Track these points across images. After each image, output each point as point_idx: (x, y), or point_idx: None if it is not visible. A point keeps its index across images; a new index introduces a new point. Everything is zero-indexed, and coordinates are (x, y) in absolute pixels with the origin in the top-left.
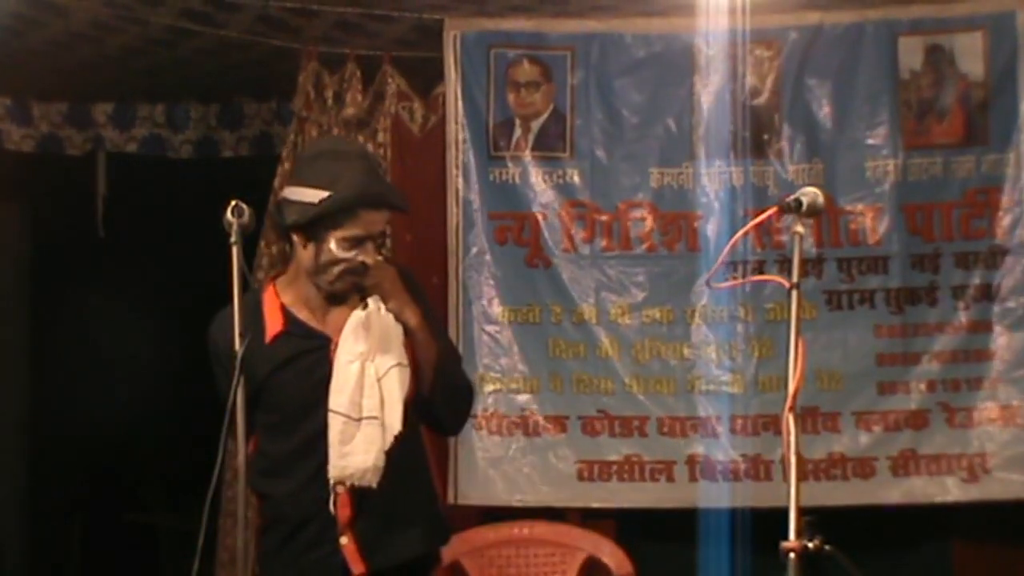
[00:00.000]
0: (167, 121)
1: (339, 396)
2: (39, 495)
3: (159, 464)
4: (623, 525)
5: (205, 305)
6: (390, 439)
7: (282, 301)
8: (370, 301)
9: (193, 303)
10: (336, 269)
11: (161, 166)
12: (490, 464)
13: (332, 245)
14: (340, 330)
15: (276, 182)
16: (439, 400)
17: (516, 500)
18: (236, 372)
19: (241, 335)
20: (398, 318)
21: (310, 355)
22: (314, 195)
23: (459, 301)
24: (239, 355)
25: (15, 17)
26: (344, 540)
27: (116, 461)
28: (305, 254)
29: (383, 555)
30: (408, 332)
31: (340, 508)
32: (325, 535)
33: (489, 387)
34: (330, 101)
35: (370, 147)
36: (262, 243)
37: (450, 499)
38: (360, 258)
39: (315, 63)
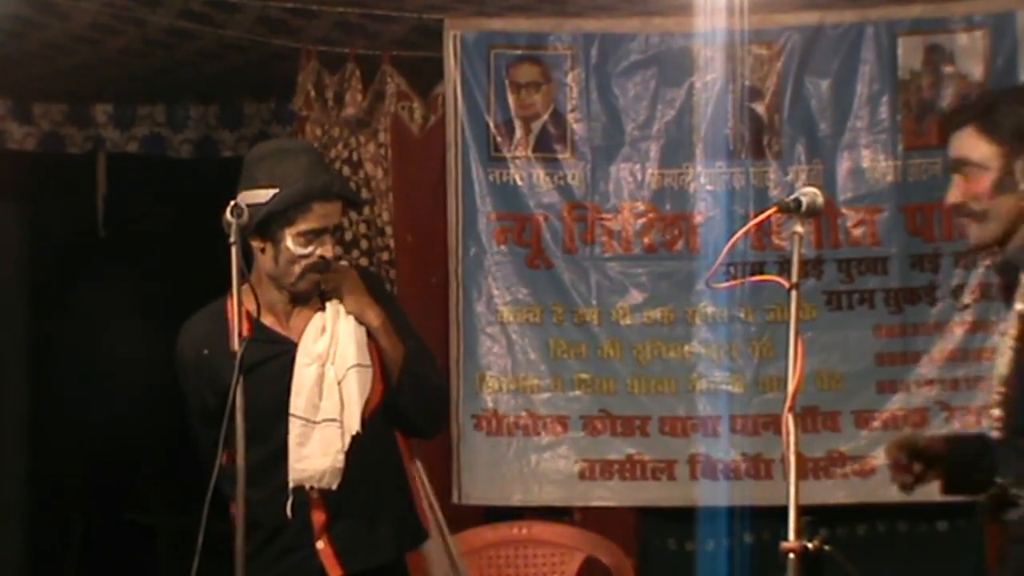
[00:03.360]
0: (167, 121)
1: (297, 399)
2: (38, 494)
3: (159, 464)
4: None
5: (205, 305)
6: (349, 440)
7: (247, 308)
8: (328, 304)
9: (193, 303)
10: (297, 268)
11: (161, 166)
12: (492, 464)
13: (289, 243)
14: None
15: None
16: (408, 401)
17: (517, 500)
18: (236, 371)
19: (240, 336)
20: (359, 320)
21: (276, 360)
22: (264, 195)
23: (459, 302)
24: (239, 356)
25: (15, 19)
26: (320, 544)
27: (116, 461)
28: (265, 258)
29: (359, 558)
30: (371, 334)
31: (315, 512)
32: (300, 539)
33: (490, 387)
34: (330, 101)
35: (371, 147)
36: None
37: (454, 499)
38: (319, 252)
39: (315, 63)
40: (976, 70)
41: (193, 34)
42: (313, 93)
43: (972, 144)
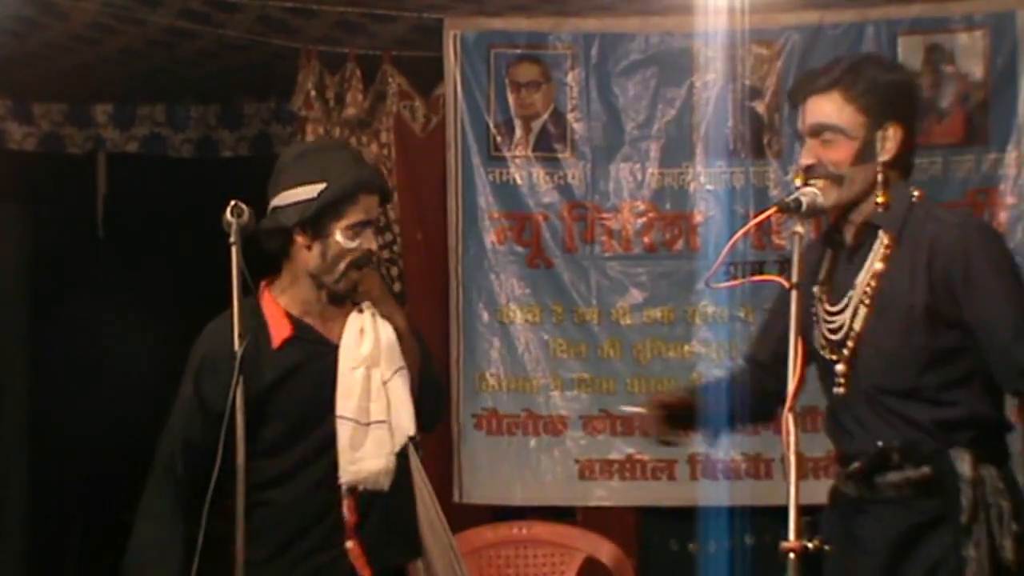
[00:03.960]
0: (167, 121)
1: (347, 402)
2: (38, 495)
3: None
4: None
5: (205, 305)
6: (400, 441)
7: (284, 308)
8: (364, 306)
9: (193, 303)
10: (343, 264)
11: (161, 166)
12: (491, 463)
13: (338, 236)
14: (340, 336)
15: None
16: (424, 401)
17: (517, 499)
18: (236, 372)
19: (241, 336)
20: (389, 322)
21: (318, 362)
22: (310, 191)
23: (460, 301)
24: (239, 355)
25: (15, 19)
26: (350, 544)
27: (116, 461)
28: (311, 254)
29: (384, 558)
30: (398, 336)
31: (347, 512)
32: (330, 540)
33: (490, 387)
34: (331, 101)
35: (373, 148)
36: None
37: (454, 497)
38: (365, 245)
39: (315, 63)
40: (976, 70)
41: (193, 33)
42: (313, 93)
43: (836, 110)
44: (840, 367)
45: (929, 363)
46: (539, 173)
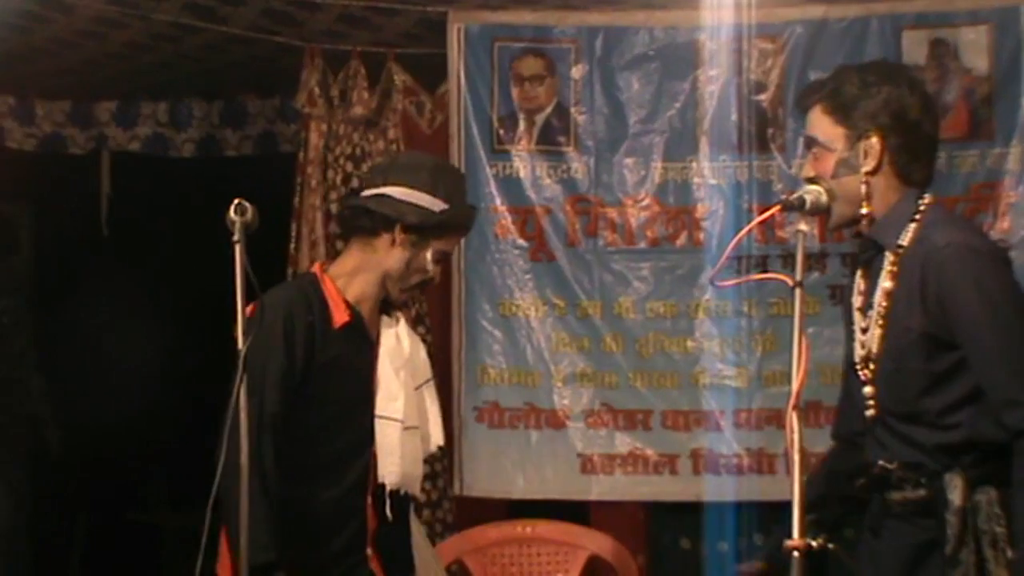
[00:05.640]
0: (170, 120)
1: (392, 403)
2: (41, 494)
3: (163, 463)
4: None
5: (208, 304)
6: (429, 450)
7: (343, 294)
8: (398, 316)
9: (196, 302)
10: (416, 278)
11: (165, 165)
12: (493, 456)
13: (428, 254)
14: (377, 337)
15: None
16: None
17: (518, 493)
18: (239, 371)
19: (245, 333)
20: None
21: (363, 355)
22: (432, 202)
23: (462, 294)
24: (242, 353)
25: (19, 14)
26: (369, 551)
27: (119, 460)
28: (395, 254)
29: (395, 568)
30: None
31: (370, 518)
32: (356, 544)
33: (492, 380)
34: (336, 99)
35: (380, 144)
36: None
37: (455, 490)
38: (435, 273)
39: (319, 60)
40: (981, 64)
41: (197, 27)
42: (317, 91)
43: (819, 124)
44: (868, 389)
45: (928, 387)
46: (542, 167)
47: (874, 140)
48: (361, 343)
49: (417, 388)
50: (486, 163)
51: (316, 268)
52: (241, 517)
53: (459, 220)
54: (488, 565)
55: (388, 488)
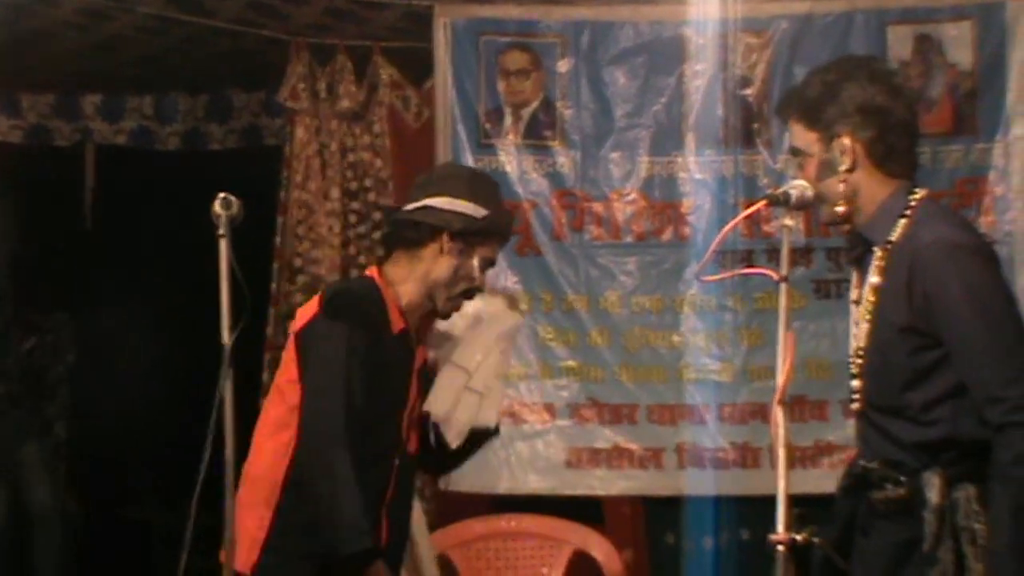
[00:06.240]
0: (155, 113)
1: (473, 357)
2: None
3: (151, 459)
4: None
5: (193, 298)
6: (481, 422)
7: (397, 300)
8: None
9: (181, 296)
10: (462, 286)
11: (150, 158)
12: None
13: (475, 261)
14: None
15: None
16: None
17: (504, 488)
18: (224, 364)
19: (230, 328)
20: None
21: (407, 365)
22: (474, 209)
23: None
24: (228, 348)
25: (5, 6)
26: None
27: (108, 456)
28: (443, 263)
29: (396, 530)
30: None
31: (382, 527)
32: (375, 524)
33: None
34: (322, 93)
35: (366, 139)
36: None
37: (440, 486)
38: (481, 282)
39: (305, 54)
40: (965, 60)
41: (182, 20)
42: (302, 85)
43: (796, 132)
44: (855, 383)
45: (911, 381)
46: (528, 161)
47: (846, 139)
48: (408, 352)
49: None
50: (472, 157)
51: (374, 274)
52: (226, 511)
53: (501, 225)
54: (473, 559)
55: (432, 419)
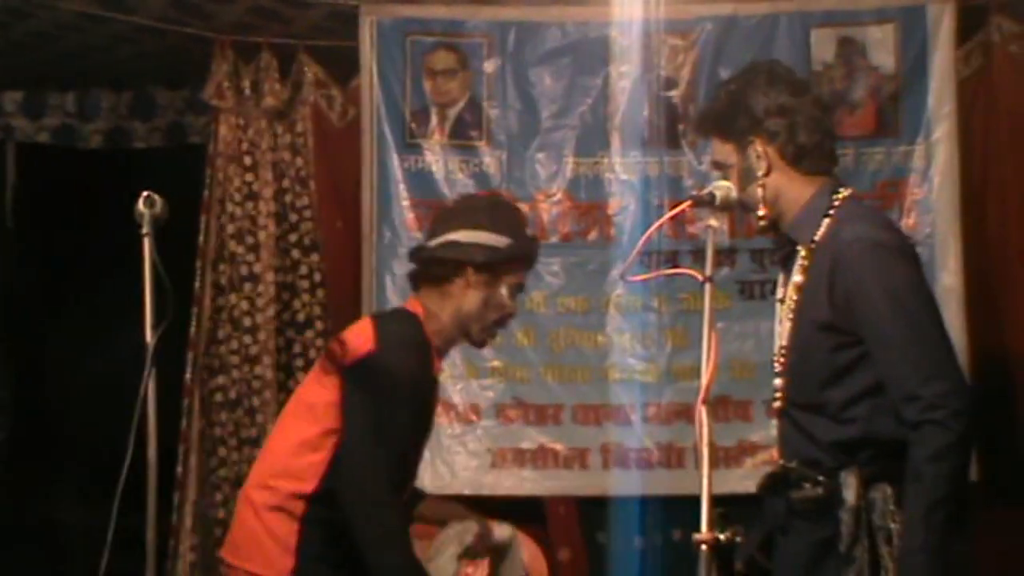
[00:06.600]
0: (78, 111)
1: None
2: None
3: (68, 458)
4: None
5: (116, 297)
6: None
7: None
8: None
9: (104, 295)
10: (494, 315)
11: (73, 156)
12: None
13: (503, 290)
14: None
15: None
16: None
17: (427, 487)
18: (148, 364)
19: (154, 327)
20: None
21: (436, 398)
22: (496, 239)
23: (373, 288)
24: (151, 346)
25: None
26: None
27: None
28: (471, 296)
29: None
30: None
31: None
32: None
33: None
34: (247, 91)
35: (288, 137)
36: None
37: None
38: (512, 309)
39: (229, 51)
40: (888, 63)
41: (105, 17)
42: (227, 83)
43: (716, 146)
44: (777, 381)
45: (831, 378)
46: (455, 161)
47: (758, 145)
48: (436, 385)
49: None
50: (398, 157)
51: (418, 310)
52: (148, 511)
53: (524, 252)
54: None
55: None
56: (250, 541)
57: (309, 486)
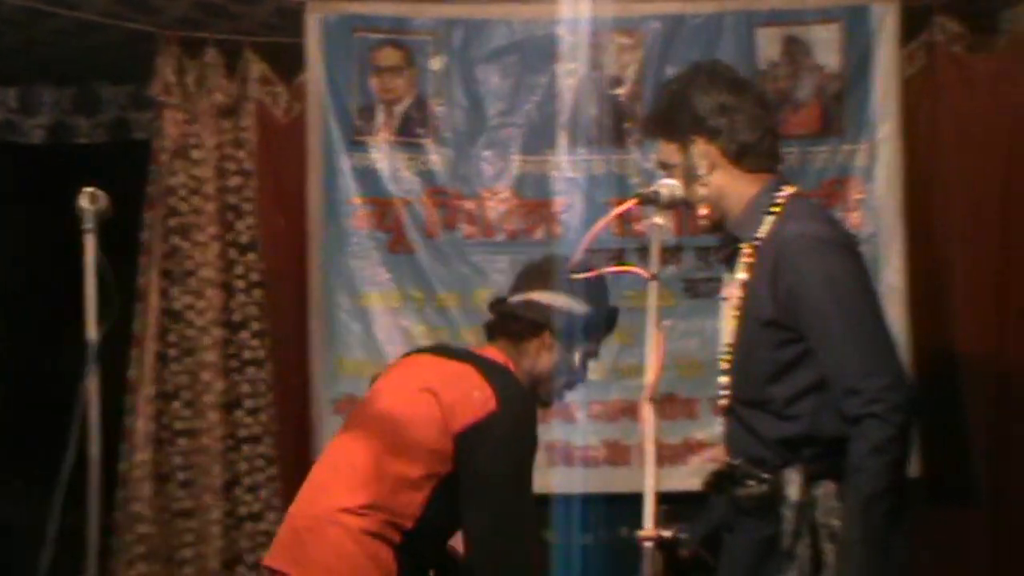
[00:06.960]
0: (20, 106)
1: None
2: None
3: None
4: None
5: (57, 294)
6: None
7: None
8: None
9: (46, 292)
10: (564, 379)
11: (15, 151)
12: None
13: (577, 356)
14: None
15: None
16: None
17: None
18: (89, 361)
19: (96, 324)
20: None
21: None
22: (579, 306)
23: (319, 286)
24: (93, 343)
25: None
26: None
27: None
28: (545, 358)
29: None
30: None
31: None
32: None
33: (349, 372)
34: (192, 87)
35: (233, 134)
36: None
37: None
38: (583, 375)
39: (175, 47)
40: (833, 62)
41: (48, 12)
42: (173, 79)
43: (661, 147)
44: (723, 379)
45: (775, 375)
46: (401, 158)
47: (700, 143)
48: None
49: None
50: (344, 154)
51: (510, 365)
52: (89, 510)
53: (601, 324)
54: None
55: None
56: (343, 561)
57: (409, 523)
